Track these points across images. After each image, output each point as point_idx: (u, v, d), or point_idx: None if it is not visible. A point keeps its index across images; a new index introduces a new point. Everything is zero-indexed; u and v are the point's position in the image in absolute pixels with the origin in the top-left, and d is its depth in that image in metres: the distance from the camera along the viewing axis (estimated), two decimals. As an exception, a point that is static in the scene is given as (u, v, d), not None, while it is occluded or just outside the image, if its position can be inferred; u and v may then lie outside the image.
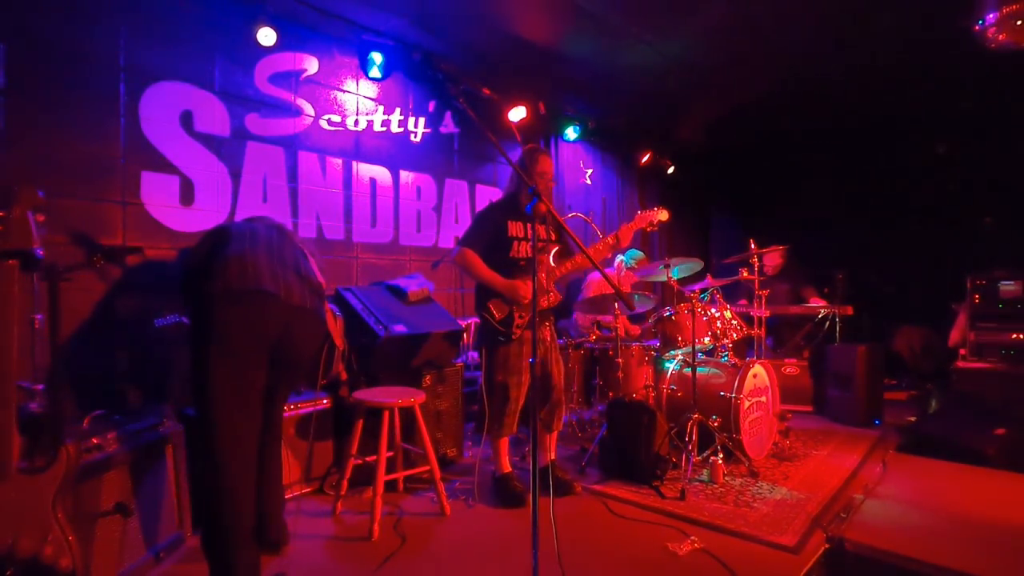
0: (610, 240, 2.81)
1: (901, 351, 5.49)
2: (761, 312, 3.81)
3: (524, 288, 2.67)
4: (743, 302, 4.77)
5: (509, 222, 2.81)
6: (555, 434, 2.96)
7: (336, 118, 3.74)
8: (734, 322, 3.53)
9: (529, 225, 2.83)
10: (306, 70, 3.60)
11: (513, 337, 2.73)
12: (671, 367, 3.60)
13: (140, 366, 2.77)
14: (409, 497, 2.92)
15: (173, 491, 2.31)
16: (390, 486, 2.86)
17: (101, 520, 1.93)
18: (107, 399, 2.61)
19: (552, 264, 2.79)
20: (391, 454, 2.87)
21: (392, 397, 2.60)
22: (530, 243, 2.81)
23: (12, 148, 2.48)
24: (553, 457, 2.98)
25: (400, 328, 3.05)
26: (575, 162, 5.60)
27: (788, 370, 4.65)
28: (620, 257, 4.46)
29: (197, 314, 1.96)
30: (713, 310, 3.49)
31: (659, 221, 2.92)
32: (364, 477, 2.77)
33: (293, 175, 3.54)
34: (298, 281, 2.10)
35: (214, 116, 3.16)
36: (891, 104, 5.37)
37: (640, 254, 4.57)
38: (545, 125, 5.15)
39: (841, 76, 4.66)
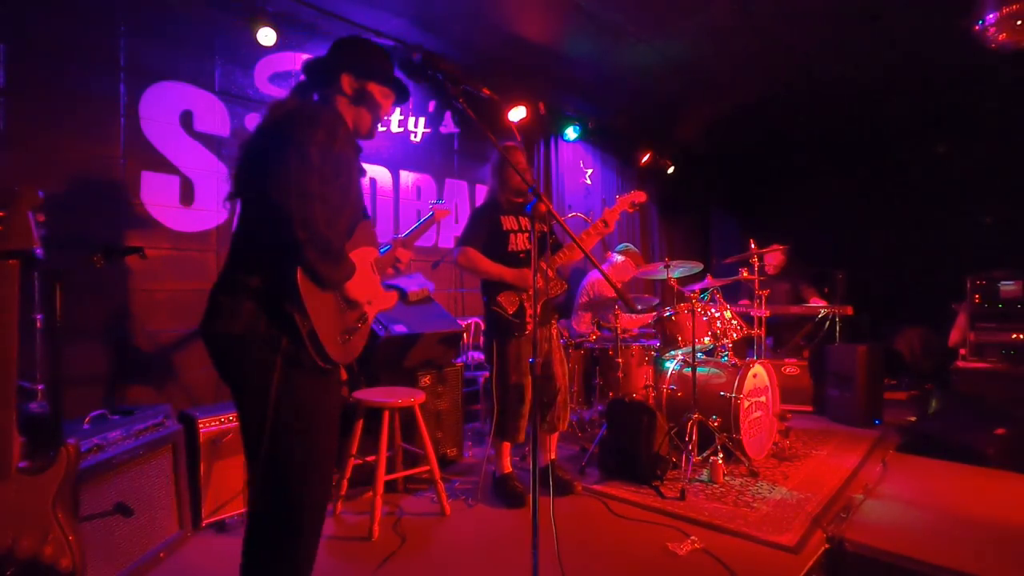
0: (599, 225, 2.82)
1: (901, 351, 5.49)
2: (761, 312, 3.81)
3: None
4: (744, 302, 4.76)
5: (501, 217, 2.85)
6: (556, 434, 2.97)
7: (336, 118, 3.73)
8: (734, 322, 3.53)
9: (521, 217, 2.88)
10: (306, 70, 3.60)
11: (527, 330, 2.73)
12: (671, 367, 3.60)
13: (141, 366, 2.77)
14: (409, 497, 2.92)
15: (173, 491, 2.31)
16: (390, 486, 2.86)
17: (101, 520, 1.93)
18: (107, 399, 2.62)
19: (550, 254, 2.81)
20: (391, 454, 2.87)
21: (392, 397, 2.60)
22: (524, 234, 2.84)
23: (12, 148, 2.47)
24: (553, 456, 2.99)
25: (400, 328, 3.05)
26: (575, 162, 5.59)
27: (788, 370, 4.65)
28: (616, 257, 4.44)
29: None
30: (713, 310, 3.49)
31: (638, 202, 2.92)
32: (364, 477, 2.77)
33: (293, 175, 3.52)
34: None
35: (214, 116, 3.16)
36: (891, 104, 5.36)
37: (630, 246, 4.55)
38: (545, 125, 5.14)
39: (841, 75, 4.66)
